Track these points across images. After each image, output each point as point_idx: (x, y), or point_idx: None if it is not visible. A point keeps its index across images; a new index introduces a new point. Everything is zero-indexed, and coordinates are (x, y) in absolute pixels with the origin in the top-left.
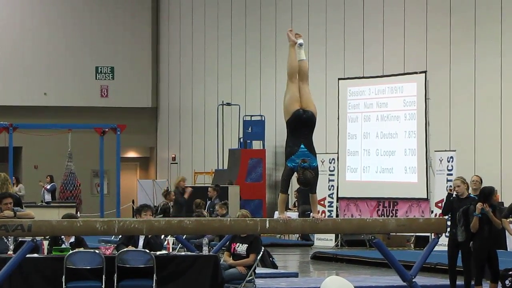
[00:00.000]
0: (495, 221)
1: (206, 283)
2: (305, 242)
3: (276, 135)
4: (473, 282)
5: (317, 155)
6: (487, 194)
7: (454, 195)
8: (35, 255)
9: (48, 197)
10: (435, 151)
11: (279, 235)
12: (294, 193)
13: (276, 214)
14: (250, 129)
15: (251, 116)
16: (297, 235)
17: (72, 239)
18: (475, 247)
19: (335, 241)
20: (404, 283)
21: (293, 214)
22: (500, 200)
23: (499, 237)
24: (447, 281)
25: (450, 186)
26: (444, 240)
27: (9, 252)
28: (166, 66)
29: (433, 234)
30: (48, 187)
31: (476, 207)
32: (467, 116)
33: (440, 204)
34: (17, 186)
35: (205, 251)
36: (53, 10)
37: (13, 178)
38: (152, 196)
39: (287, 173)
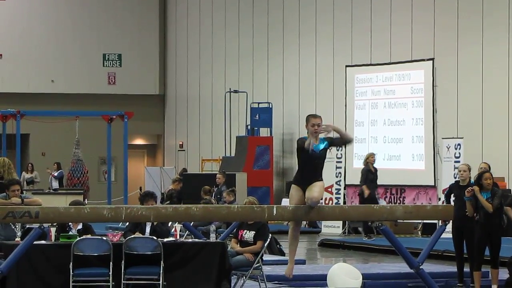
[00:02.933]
0: (485, 204)
1: (214, 270)
2: (313, 229)
3: (283, 123)
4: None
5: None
6: (476, 178)
7: (454, 181)
8: (43, 242)
9: (55, 184)
10: (443, 138)
11: (287, 222)
12: None
13: (284, 201)
14: (257, 116)
15: (259, 103)
16: (305, 222)
17: (80, 226)
18: (475, 233)
19: (343, 228)
20: (411, 270)
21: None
22: (507, 187)
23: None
24: (454, 268)
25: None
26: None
27: (16, 239)
28: (173, 53)
29: (440, 221)
30: (56, 174)
31: (466, 191)
32: (474, 103)
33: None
34: (32, 172)
35: (213, 238)
36: None
37: (29, 164)
38: (160, 183)
39: None
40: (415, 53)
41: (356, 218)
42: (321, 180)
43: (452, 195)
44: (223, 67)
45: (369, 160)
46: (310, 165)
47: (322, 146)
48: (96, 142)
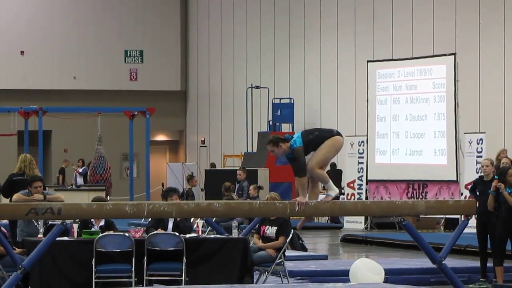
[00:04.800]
0: (509, 200)
1: (236, 266)
2: (335, 225)
3: (305, 118)
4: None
5: (344, 138)
6: (501, 173)
7: (478, 177)
8: (65, 238)
9: (80, 181)
10: (465, 133)
11: None
12: None
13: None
14: (279, 112)
15: (280, 99)
16: (327, 218)
17: (102, 222)
18: (497, 227)
19: (365, 224)
20: (434, 265)
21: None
22: None
23: None
24: (477, 263)
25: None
26: (474, 222)
27: (39, 235)
28: (195, 49)
29: (462, 216)
30: (81, 170)
31: (492, 185)
32: (496, 98)
33: (469, 187)
34: (81, 167)
35: (235, 233)
36: None
37: (79, 160)
38: (182, 179)
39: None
40: (437, 48)
41: (379, 213)
42: (335, 134)
43: (476, 190)
44: (245, 63)
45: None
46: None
47: (289, 156)
48: (118, 138)
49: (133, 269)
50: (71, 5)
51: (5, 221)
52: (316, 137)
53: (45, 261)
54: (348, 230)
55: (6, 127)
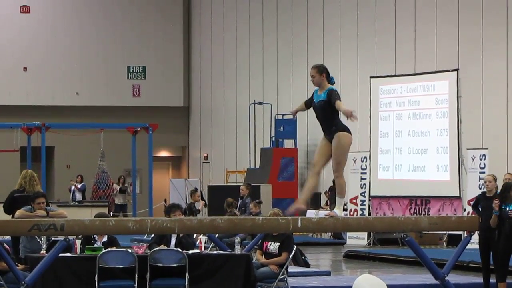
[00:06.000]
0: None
1: (239, 282)
2: (337, 241)
3: (308, 134)
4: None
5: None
6: (504, 189)
7: (481, 192)
8: (68, 254)
9: (78, 196)
10: (468, 149)
11: (312, 234)
12: (326, 193)
13: (309, 213)
14: (282, 128)
15: (283, 115)
16: (329, 234)
17: (105, 238)
18: (500, 243)
19: (368, 240)
20: (437, 281)
21: (326, 213)
22: None
23: None
24: (480, 279)
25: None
26: (476, 238)
27: (42, 252)
28: (197, 65)
29: (465, 232)
30: (79, 186)
31: (494, 204)
32: (499, 114)
33: (472, 203)
34: (80, 183)
35: (237, 250)
36: (85, 10)
37: (78, 176)
38: (184, 195)
39: None
40: (439, 64)
41: (381, 229)
42: (340, 130)
43: (478, 205)
44: (248, 79)
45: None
46: (318, 116)
47: (321, 97)
48: (121, 154)
49: (136, 285)
50: (73, 21)
51: (8, 237)
52: (338, 117)
53: (48, 277)
54: (351, 246)
55: (9, 143)
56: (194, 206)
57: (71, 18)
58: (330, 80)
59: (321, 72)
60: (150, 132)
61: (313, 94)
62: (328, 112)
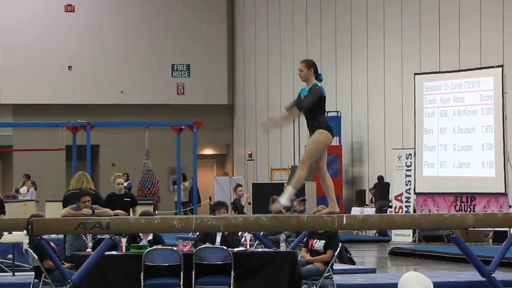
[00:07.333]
0: None
1: (284, 280)
2: (383, 238)
3: (352, 131)
4: None
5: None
6: None
7: None
8: (114, 252)
9: None
10: None
11: (357, 231)
12: (371, 190)
13: (353, 210)
14: None
15: (327, 112)
16: (375, 231)
17: (150, 237)
18: None
19: (413, 237)
20: (483, 278)
21: (371, 210)
22: None
23: None
24: None
25: None
26: None
27: (88, 250)
28: (241, 63)
29: (511, 228)
30: (125, 184)
31: None
32: None
33: None
34: (126, 182)
35: (283, 247)
36: (131, 9)
37: (124, 174)
38: (229, 193)
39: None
40: (484, 60)
41: (427, 226)
42: (322, 128)
43: None
44: (291, 75)
45: None
46: (304, 112)
47: (306, 93)
48: (165, 152)
49: (181, 283)
50: (118, 20)
51: (55, 236)
52: (322, 114)
53: (94, 275)
54: (396, 243)
55: (54, 141)
56: (239, 201)
57: (116, 16)
58: (318, 77)
59: (309, 66)
60: (195, 130)
61: (299, 93)
62: (312, 108)
